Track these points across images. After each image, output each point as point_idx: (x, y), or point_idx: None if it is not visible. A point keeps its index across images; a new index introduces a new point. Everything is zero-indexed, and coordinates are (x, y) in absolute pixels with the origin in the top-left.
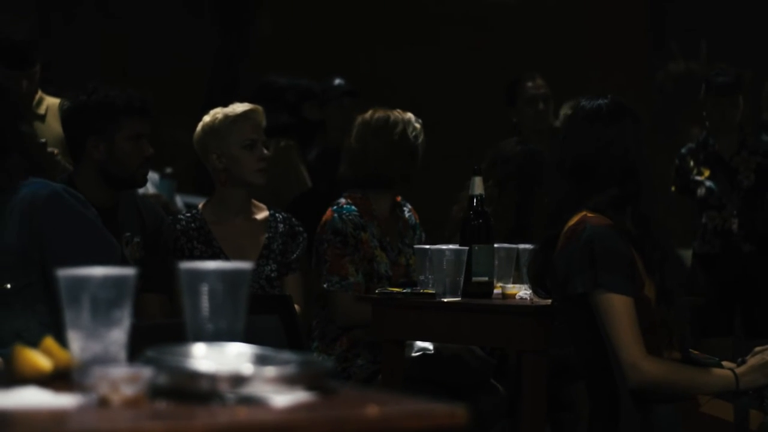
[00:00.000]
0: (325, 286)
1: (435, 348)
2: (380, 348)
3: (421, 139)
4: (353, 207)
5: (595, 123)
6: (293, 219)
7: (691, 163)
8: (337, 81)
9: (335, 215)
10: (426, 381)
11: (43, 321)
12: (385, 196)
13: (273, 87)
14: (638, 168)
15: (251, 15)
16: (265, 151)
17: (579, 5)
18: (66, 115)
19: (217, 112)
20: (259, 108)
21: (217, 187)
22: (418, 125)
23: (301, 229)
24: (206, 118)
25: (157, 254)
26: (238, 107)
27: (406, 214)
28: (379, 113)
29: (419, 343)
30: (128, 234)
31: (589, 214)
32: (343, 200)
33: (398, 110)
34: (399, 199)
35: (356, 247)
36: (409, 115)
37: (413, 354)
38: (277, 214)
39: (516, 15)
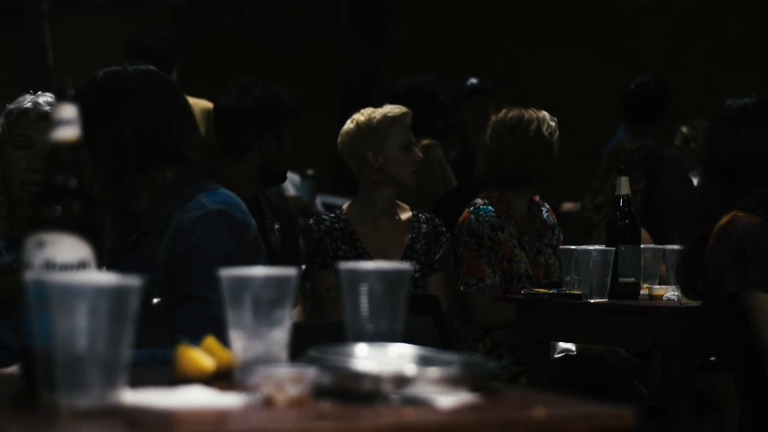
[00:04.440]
0: (461, 288)
1: (578, 349)
2: (523, 349)
3: (556, 136)
4: (490, 207)
5: (742, 123)
6: (436, 219)
7: None
8: (470, 80)
9: (471, 216)
10: (569, 382)
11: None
12: (523, 195)
13: (426, 89)
14: None
15: (388, 18)
16: (420, 154)
17: (715, 6)
18: (241, 112)
19: (372, 112)
20: (410, 111)
21: (364, 187)
22: (553, 123)
23: (444, 229)
24: (360, 118)
25: (291, 241)
26: (395, 108)
27: (545, 214)
28: (514, 111)
29: (562, 345)
30: (270, 222)
31: (740, 214)
32: (479, 201)
33: (533, 108)
34: (537, 199)
35: (493, 249)
36: (544, 113)
37: (556, 355)
38: (420, 215)
39: (654, 16)
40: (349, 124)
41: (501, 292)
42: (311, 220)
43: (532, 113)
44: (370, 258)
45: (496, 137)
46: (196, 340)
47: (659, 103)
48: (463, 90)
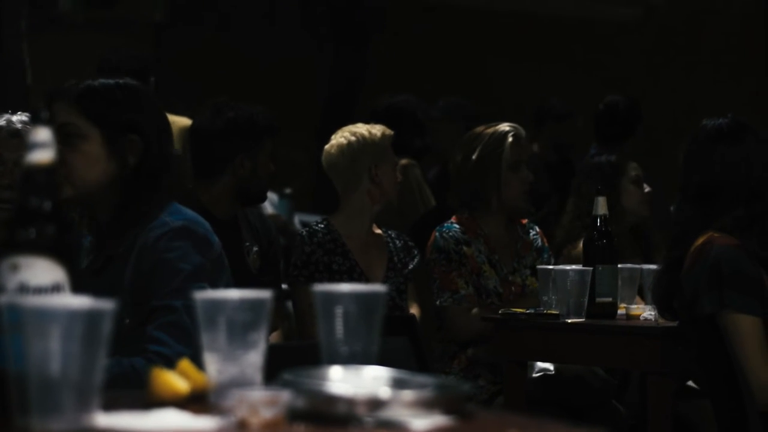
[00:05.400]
0: (438, 303)
1: (556, 369)
2: (500, 368)
3: (505, 154)
4: (455, 225)
5: (717, 144)
6: (402, 234)
7: None
8: (460, 102)
9: (437, 234)
10: (547, 402)
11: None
12: (492, 214)
13: (405, 108)
14: (764, 187)
15: (369, 35)
16: (399, 175)
17: (692, 21)
18: (212, 133)
19: (371, 128)
20: None
21: (356, 201)
22: (515, 136)
23: (412, 243)
24: (360, 131)
25: (270, 263)
26: (386, 128)
27: (531, 236)
28: (476, 130)
29: (539, 364)
30: (248, 244)
31: (716, 235)
32: (448, 221)
33: (500, 125)
34: (524, 222)
35: (461, 262)
36: (500, 128)
37: (534, 375)
38: (389, 232)
39: (633, 33)
40: (349, 137)
41: (476, 302)
42: (303, 232)
43: (488, 130)
44: (361, 271)
45: (452, 158)
46: (163, 347)
47: (629, 121)
48: (458, 111)
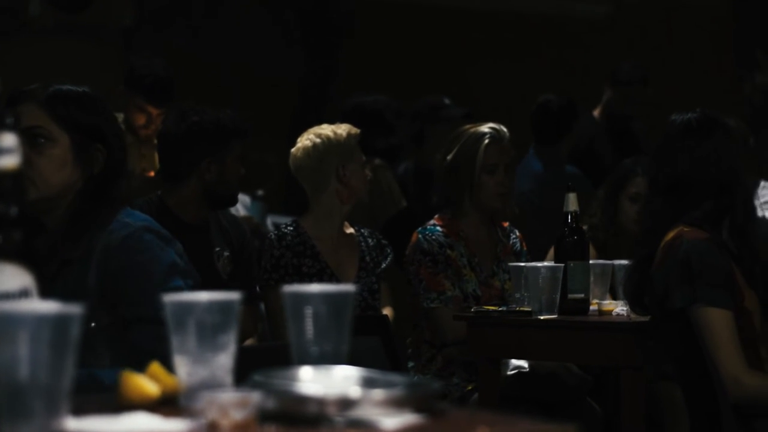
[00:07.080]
0: (424, 305)
1: (530, 366)
2: (475, 366)
3: (479, 155)
4: (438, 228)
5: (686, 138)
6: (375, 233)
7: None
8: (447, 102)
9: (420, 236)
10: (521, 399)
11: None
12: (472, 217)
13: (371, 108)
14: (732, 180)
15: (340, 39)
16: (369, 173)
17: (664, 18)
18: (178, 137)
19: (336, 128)
20: None
21: (326, 202)
22: (493, 137)
23: (385, 241)
24: (325, 132)
25: (243, 267)
26: (352, 127)
27: (511, 240)
28: (459, 130)
29: (514, 361)
30: (218, 249)
31: (686, 229)
32: (431, 221)
33: (482, 125)
34: (506, 224)
35: (447, 263)
36: (480, 129)
37: (508, 372)
38: (362, 230)
39: (605, 30)
40: (314, 139)
41: (462, 304)
42: (272, 235)
43: (469, 131)
44: (332, 272)
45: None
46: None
47: (563, 121)
48: (448, 112)
